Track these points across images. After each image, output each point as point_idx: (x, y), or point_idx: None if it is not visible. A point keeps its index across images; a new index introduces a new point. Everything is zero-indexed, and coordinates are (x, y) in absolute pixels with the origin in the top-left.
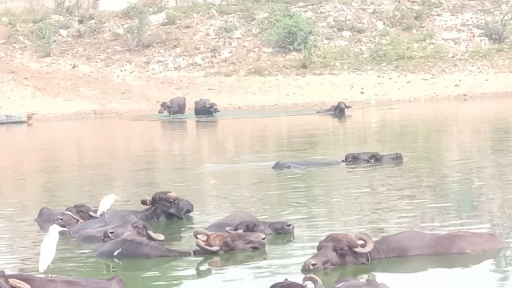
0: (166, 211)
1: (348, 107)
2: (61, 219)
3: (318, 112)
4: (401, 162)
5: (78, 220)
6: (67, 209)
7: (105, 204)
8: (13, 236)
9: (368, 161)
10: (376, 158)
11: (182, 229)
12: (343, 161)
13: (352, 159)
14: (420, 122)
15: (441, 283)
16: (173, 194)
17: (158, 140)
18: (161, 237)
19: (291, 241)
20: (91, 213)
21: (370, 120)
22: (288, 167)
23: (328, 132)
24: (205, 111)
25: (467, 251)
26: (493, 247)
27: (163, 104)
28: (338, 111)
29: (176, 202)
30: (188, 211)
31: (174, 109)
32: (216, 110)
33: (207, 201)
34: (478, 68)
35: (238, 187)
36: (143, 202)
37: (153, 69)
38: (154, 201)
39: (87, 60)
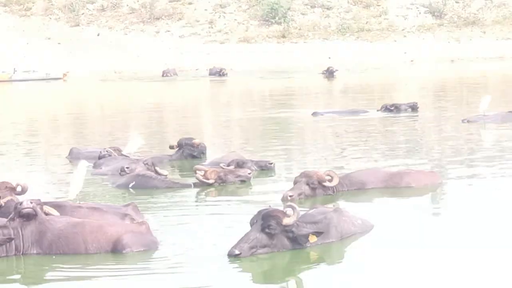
0: (191, 154)
1: (336, 70)
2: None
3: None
4: (416, 110)
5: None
6: (106, 149)
7: (131, 146)
8: (48, 170)
9: (390, 110)
10: (395, 107)
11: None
12: (378, 110)
13: (385, 109)
14: (379, 81)
15: (391, 209)
16: (197, 140)
17: (172, 94)
18: (165, 172)
19: (272, 176)
20: (123, 153)
21: (353, 80)
22: (322, 114)
23: (324, 88)
24: (217, 73)
25: (413, 185)
26: (433, 182)
27: (165, 71)
28: (328, 73)
29: (199, 146)
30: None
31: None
32: (224, 73)
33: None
34: (423, 39)
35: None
36: (171, 147)
37: (162, 37)
38: (180, 145)
39: (109, 30)
